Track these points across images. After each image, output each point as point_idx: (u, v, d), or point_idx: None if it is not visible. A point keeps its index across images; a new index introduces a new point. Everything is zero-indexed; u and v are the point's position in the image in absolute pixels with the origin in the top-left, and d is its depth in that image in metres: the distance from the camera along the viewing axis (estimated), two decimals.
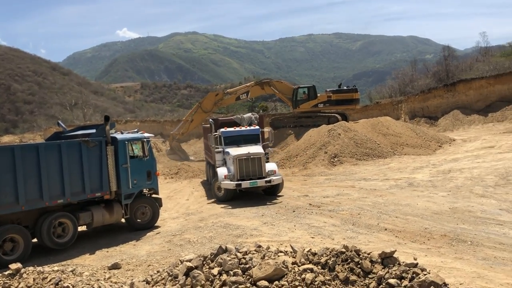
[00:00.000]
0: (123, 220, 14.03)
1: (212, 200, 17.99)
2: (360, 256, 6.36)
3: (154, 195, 14.57)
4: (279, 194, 17.78)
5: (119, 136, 13.60)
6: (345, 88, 34.13)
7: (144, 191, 14.29)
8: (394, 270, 5.98)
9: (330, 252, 6.53)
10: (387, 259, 6.28)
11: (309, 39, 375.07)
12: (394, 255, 6.33)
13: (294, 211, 14.52)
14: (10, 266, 8.60)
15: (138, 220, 14.00)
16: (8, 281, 8.25)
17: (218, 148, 18.33)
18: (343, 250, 6.49)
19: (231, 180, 16.94)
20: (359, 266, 6.21)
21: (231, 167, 17.21)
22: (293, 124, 34.00)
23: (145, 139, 14.17)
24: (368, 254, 6.44)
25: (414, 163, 22.47)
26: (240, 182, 16.80)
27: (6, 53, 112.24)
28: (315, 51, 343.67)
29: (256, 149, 17.57)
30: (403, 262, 6.21)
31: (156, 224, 14.35)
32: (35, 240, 11.93)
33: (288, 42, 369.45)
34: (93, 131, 13.56)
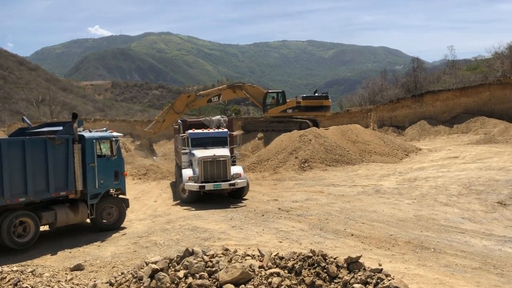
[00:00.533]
0: (88, 220, 13.70)
1: (177, 201, 17.90)
2: (327, 260, 6.41)
3: (121, 196, 14.30)
4: (244, 198, 17.84)
5: (87, 134, 13.31)
6: (316, 95, 34.50)
7: (111, 191, 14.02)
8: (360, 275, 6.04)
9: (297, 256, 6.55)
10: (352, 264, 6.35)
11: (283, 45, 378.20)
12: (360, 261, 6.40)
13: (263, 215, 14.53)
14: None
15: (103, 221, 13.71)
16: None
17: (185, 149, 18.31)
18: (310, 254, 6.53)
19: (195, 182, 16.93)
20: (325, 270, 6.25)
21: (196, 169, 17.19)
22: (265, 129, 34.13)
23: (113, 138, 13.92)
24: (335, 259, 6.50)
25: (381, 170, 22.89)
26: (204, 184, 16.84)
27: None
28: (288, 57, 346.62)
29: (222, 151, 17.60)
30: (368, 268, 6.29)
31: (122, 225, 14.07)
32: None
33: (262, 47, 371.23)
34: (60, 128, 13.19)
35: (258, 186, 21.09)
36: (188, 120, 21.08)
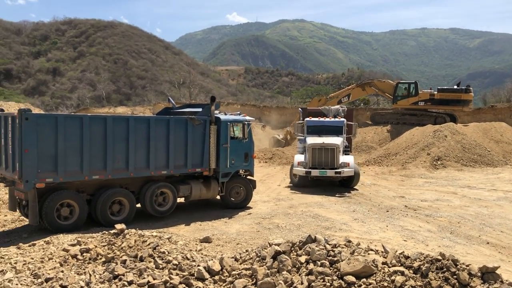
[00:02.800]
0: (218, 197, 14.62)
1: (289, 184, 18.93)
2: (458, 266, 5.97)
3: (249, 177, 14.99)
4: (354, 187, 18.15)
5: (222, 116, 14.08)
6: (454, 87, 31.81)
7: (240, 171, 14.75)
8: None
9: (425, 257, 6.21)
10: (488, 274, 5.82)
11: (422, 32, 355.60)
12: (497, 272, 5.84)
13: (387, 211, 14.03)
14: (116, 226, 9.46)
15: (232, 199, 14.50)
16: (113, 239, 9.10)
17: (301, 135, 19.24)
18: (439, 257, 6.14)
19: (303, 167, 17.59)
20: (455, 277, 5.83)
21: (306, 154, 17.85)
22: (395, 121, 32.64)
23: (246, 122, 14.58)
24: (467, 266, 6.02)
25: None
26: (310, 170, 17.46)
27: (127, 31, 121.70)
28: (427, 46, 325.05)
29: (332, 140, 17.93)
30: (507, 281, 5.72)
31: (248, 205, 14.78)
32: (138, 205, 12.85)
33: (399, 35, 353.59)
34: (200, 110, 14.16)
35: (384, 180, 20.38)
36: (308, 108, 21.46)
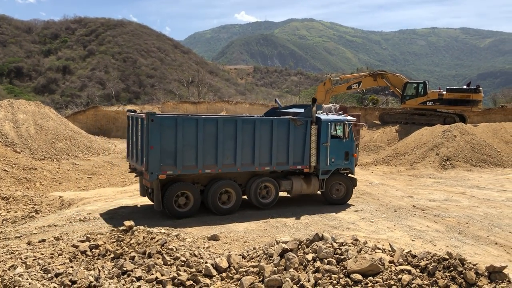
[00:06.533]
0: (318, 192, 14.99)
1: None
2: (465, 266, 5.97)
3: (350, 175, 15.37)
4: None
5: (323, 117, 14.62)
6: (463, 87, 31.54)
7: (341, 169, 15.15)
8: (503, 287, 5.52)
9: (432, 256, 6.22)
10: (495, 274, 5.81)
11: (432, 32, 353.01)
12: (504, 271, 5.83)
13: (395, 211, 14.00)
14: (124, 223, 9.56)
15: (333, 196, 14.96)
16: (121, 236, 9.20)
17: None
18: (446, 257, 6.14)
19: None
20: (462, 276, 5.83)
21: None
22: (404, 121, 32.45)
23: (346, 122, 14.99)
24: (474, 265, 6.02)
25: None
26: None
27: (136, 29, 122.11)
28: (437, 46, 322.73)
29: None
30: None
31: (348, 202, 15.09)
32: (244, 197, 13.91)
33: (408, 34, 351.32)
34: (302, 110, 14.82)
35: (392, 180, 20.31)
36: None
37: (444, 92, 30.91)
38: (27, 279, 6.91)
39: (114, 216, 12.90)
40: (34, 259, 8.06)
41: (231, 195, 13.44)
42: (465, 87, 31.54)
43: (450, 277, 5.83)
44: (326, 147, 14.34)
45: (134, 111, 14.07)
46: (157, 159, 12.07)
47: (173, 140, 12.25)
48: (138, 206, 14.38)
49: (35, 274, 7.14)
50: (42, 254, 8.47)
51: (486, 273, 5.82)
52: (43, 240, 9.64)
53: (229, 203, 13.42)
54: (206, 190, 13.17)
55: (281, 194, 14.63)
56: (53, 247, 8.94)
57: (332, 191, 14.89)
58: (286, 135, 13.82)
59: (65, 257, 8.22)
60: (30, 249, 8.98)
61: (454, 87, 32.46)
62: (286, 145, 13.85)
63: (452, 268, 5.93)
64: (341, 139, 14.76)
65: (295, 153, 13.99)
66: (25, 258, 8.09)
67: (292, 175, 14.39)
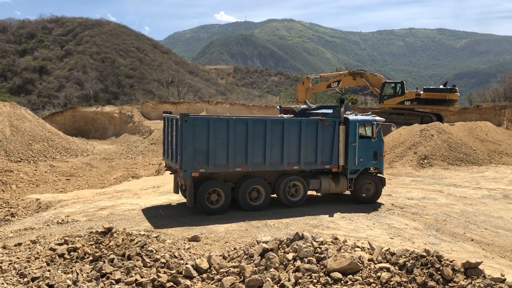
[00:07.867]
0: (347, 192, 15.16)
1: None
2: (442, 262, 6.08)
3: (379, 174, 15.49)
4: None
5: (351, 117, 14.81)
6: (440, 87, 32.12)
7: (370, 169, 15.31)
8: (478, 283, 5.64)
9: (410, 254, 6.32)
10: (471, 270, 5.94)
11: (409, 33, 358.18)
12: (479, 267, 5.96)
13: (375, 209, 14.18)
14: (103, 225, 9.44)
15: (363, 195, 15.13)
16: (100, 238, 9.07)
17: None
18: (424, 254, 6.25)
19: None
20: (439, 272, 5.94)
21: None
22: None
23: (375, 122, 15.15)
24: (451, 262, 6.14)
25: None
26: None
27: (114, 29, 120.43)
28: (414, 46, 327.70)
29: None
30: (489, 276, 5.84)
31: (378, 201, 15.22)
32: (274, 195, 14.21)
33: (387, 35, 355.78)
34: (331, 111, 15.02)
35: None
36: (283, 106, 22.41)
37: (421, 92, 31.42)
38: (3, 284, 6.75)
39: (92, 218, 12.73)
40: (9, 263, 7.88)
41: (260, 192, 13.86)
42: (441, 87, 32.11)
43: (428, 274, 5.93)
44: (354, 147, 14.58)
45: (170, 113, 14.47)
46: (190, 157, 12.69)
47: (205, 139, 12.83)
48: (117, 208, 14.21)
49: (10, 279, 6.98)
50: (18, 258, 8.30)
51: (462, 269, 5.94)
52: (19, 244, 9.44)
53: (258, 201, 13.85)
54: (237, 187, 13.64)
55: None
56: (29, 251, 8.76)
57: (362, 190, 15.07)
58: (315, 135, 14.17)
59: (42, 260, 8.06)
60: (6, 253, 8.78)
61: (431, 87, 33.00)
62: (315, 145, 14.19)
63: (429, 265, 6.04)
64: (369, 139, 15.00)
65: (323, 153, 14.32)
66: (1, 263, 7.91)
67: (321, 174, 14.70)
